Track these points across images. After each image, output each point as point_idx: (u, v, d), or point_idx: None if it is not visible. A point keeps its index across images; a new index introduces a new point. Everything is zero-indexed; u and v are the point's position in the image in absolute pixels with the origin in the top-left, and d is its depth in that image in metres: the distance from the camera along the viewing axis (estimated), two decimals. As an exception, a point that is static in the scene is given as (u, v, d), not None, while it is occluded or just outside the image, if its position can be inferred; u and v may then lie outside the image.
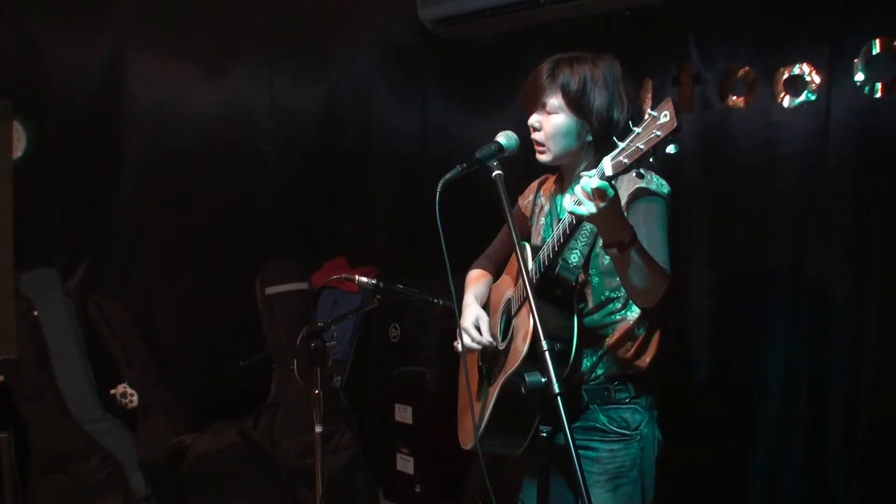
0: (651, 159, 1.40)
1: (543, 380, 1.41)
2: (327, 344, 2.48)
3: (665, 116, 1.36)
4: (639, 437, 1.84)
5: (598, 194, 1.47)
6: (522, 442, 1.87)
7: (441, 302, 2.35)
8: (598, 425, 1.83)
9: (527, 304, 1.72)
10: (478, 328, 1.96)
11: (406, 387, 3.55)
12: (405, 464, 3.55)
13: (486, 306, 2.09)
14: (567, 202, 1.54)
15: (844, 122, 2.60)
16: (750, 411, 2.83)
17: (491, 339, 1.96)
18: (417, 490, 3.48)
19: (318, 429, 2.44)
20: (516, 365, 1.74)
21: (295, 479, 3.38)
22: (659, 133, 1.36)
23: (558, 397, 1.37)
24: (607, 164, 1.46)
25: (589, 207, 1.49)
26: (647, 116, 1.40)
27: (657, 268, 1.64)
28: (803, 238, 2.72)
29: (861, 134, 2.57)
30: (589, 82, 1.79)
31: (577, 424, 1.83)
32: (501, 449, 1.94)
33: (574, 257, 1.83)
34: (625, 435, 1.83)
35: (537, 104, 1.83)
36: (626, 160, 1.42)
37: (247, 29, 3.69)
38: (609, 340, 1.83)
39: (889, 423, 2.54)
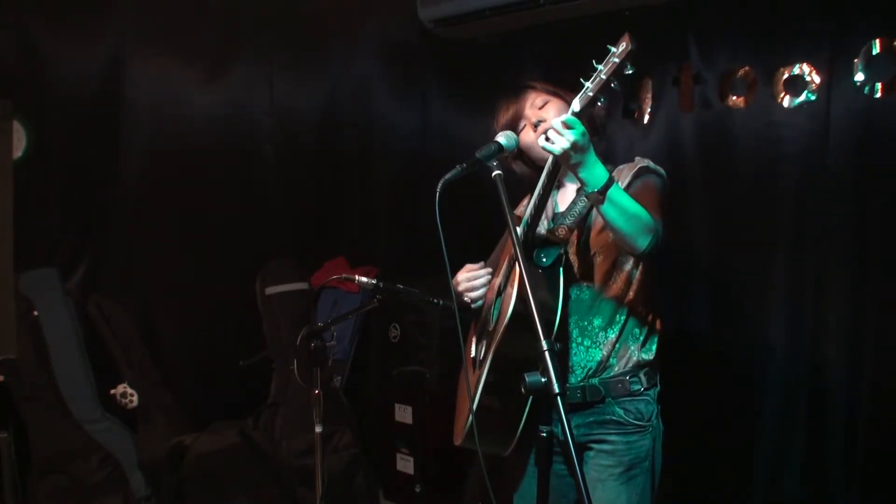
0: (613, 85, 1.54)
1: (543, 380, 1.41)
2: (327, 344, 2.48)
3: (621, 45, 1.51)
4: (650, 428, 1.89)
5: (568, 125, 1.59)
6: (510, 439, 1.85)
7: (441, 302, 2.34)
8: (614, 418, 1.87)
9: (513, 276, 1.78)
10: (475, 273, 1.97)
11: (406, 387, 3.55)
12: (405, 464, 3.55)
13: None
14: (539, 141, 1.65)
15: (844, 122, 2.60)
16: (750, 411, 2.83)
17: (488, 269, 1.98)
18: (417, 490, 3.48)
19: (318, 429, 2.44)
20: (503, 326, 1.75)
21: (295, 479, 3.38)
22: (616, 60, 1.52)
23: (558, 397, 1.38)
24: (575, 102, 1.60)
25: (560, 143, 1.59)
26: (608, 52, 1.54)
27: (640, 208, 1.72)
28: (803, 238, 2.72)
29: (861, 134, 2.57)
30: (552, 84, 1.96)
31: (593, 419, 1.87)
32: (489, 445, 1.91)
33: (561, 232, 1.87)
34: (640, 426, 1.87)
35: (523, 112, 1.93)
36: (591, 92, 1.57)
37: (247, 29, 3.69)
38: (619, 328, 1.86)
39: (889, 423, 2.54)
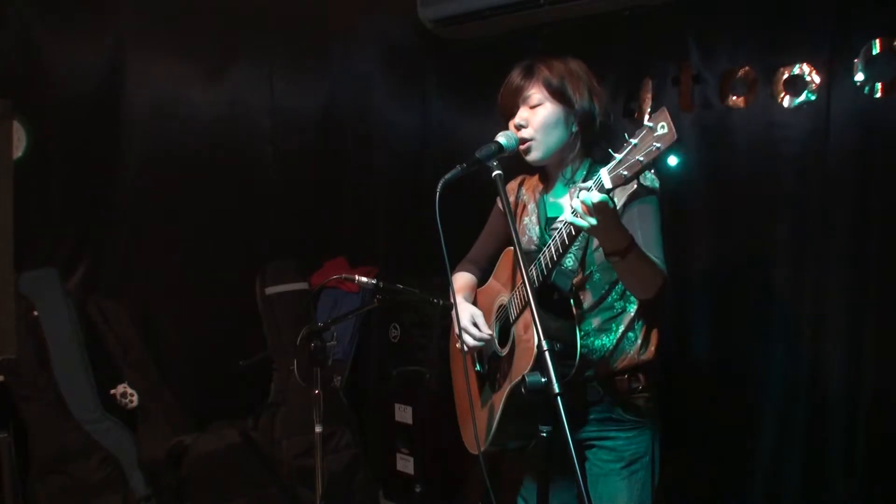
0: (651, 171, 1.41)
1: (543, 380, 1.41)
2: (327, 344, 2.48)
3: (662, 128, 1.37)
4: (650, 425, 1.91)
5: (598, 208, 1.49)
6: (530, 442, 1.91)
7: (441, 302, 2.35)
8: (613, 416, 1.89)
9: (527, 311, 1.76)
10: (475, 325, 1.97)
11: (406, 387, 3.55)
12: (405, 464, 3.55)
13: None
14: (567, 214, 1.56)
15: (844, 122, 2.60)
16: (750, 411, 2.83)
17: (491, 333, 1.97)
18: (417, 490, 3.48)
19: (318, 429, 2.44)
20: (524, 373, 1.74)
21: (295, 479, 3.38)
22: (659, 146, 1.38)
23: (558, 397, 1.38)
24: (606, 177, 1.46)
25: (590, 221, 1.52)
26: (643, 127, 1.40)
27: (654, 265, 1.71)
28: (803, 238, 2.72)
29: (861, 134, 2.57)
30: (566, 75, 1.85)
31: (593, 416, 1.89)
32: (510, 448, 1.98)
33: (569, 261, 1.85)
34: (639, 422, 1.90)
35: (518, 103, 1.87)
36: (625, 172, 1.43)
37: (247, 29, 3.69)
38: (616, 335, 1.86)
39: (889, 424, 2.54)
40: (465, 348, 1.96)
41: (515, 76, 1.89)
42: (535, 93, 1.85)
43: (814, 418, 2.70)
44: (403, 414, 3.55)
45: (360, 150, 4.11)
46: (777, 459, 2.79)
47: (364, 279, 2.38)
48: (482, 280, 2.17)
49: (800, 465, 2.74)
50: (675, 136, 1.36)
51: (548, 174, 1.98)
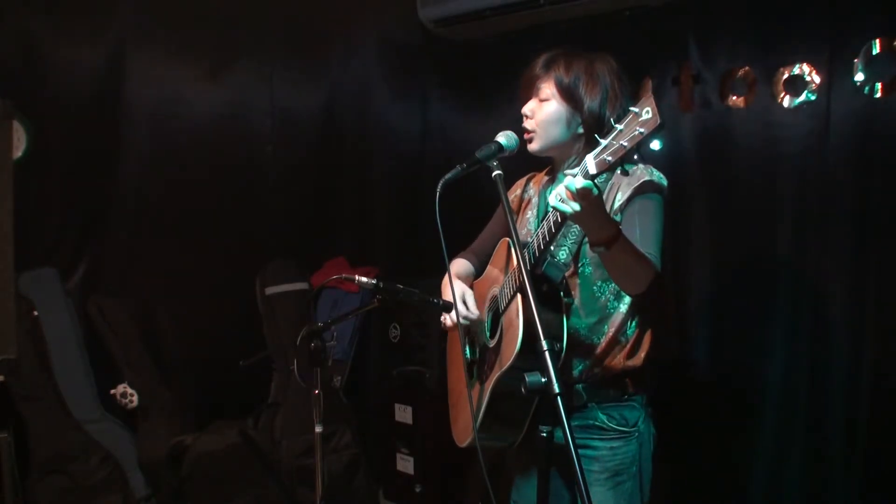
0: (635, 156, 1.42)
1: (543, 380, 1.41)
2: (327, 344, 2.48)
3: (647, 113, 1.36)
4: (637, 434, 1.86)
5: (581, 194, 1.48)
6: (517, 435, 1.87)
7: (441, 302, 2.35)
8: (597, 423, 1.84)
9: (516, 301, 1.76)
10: (465, 304, 1.96)
11: (406, 387, 3.55)
12: (405, 464, 3.55)
13: None
14: (552, 199, 1.55)
15: (844, 122, 2.60)
16: (750, 411, 2.83)
17: (478, 313, 1.96)
18: (417, 490, 3.48)
19: (318, 429, 2.44)
20: (510, 362, 1.74)
21: (295, 479, 3.38)
22: (642, 130, 1.37)
23: (558, 397, 1.38)
24: (591, 163, 1.46)
25: (573, 206, 1.50)
26: (628, 113, 1.40)
27: (643, 259, 1.67)
28: (803, 238, 2.72)
29: (861, 134, 2.57)
30: (582, 76, 1.83)
31: (576, 423, 1.84)
32: (496, 443, 1.94)
33: (562, 254, 1.84)
34: (624, 432, 1.85)
35: (532, 92, 1.88)
36: (609, 158, 1.43)
37: (247, 29, 3.69)
38: (604, 337, 1.84)
39: (889, 423, 2.54)
40: (449, 323, 1.98)
41: (536, 65, 1.88)
42: (546, 87, 1.85)
43: (814, 419, 2.70)
44: (403, 414, 3.55)
45: (360, 149, 4.11)
46: (777, 460, 2.78)
47: (364, 279, 2.37)
48: (480, 271, 2.17)
49: (800, 465, 2.74)
50: (659, 121, 1.35)
51: (554, 168, 1.99)
